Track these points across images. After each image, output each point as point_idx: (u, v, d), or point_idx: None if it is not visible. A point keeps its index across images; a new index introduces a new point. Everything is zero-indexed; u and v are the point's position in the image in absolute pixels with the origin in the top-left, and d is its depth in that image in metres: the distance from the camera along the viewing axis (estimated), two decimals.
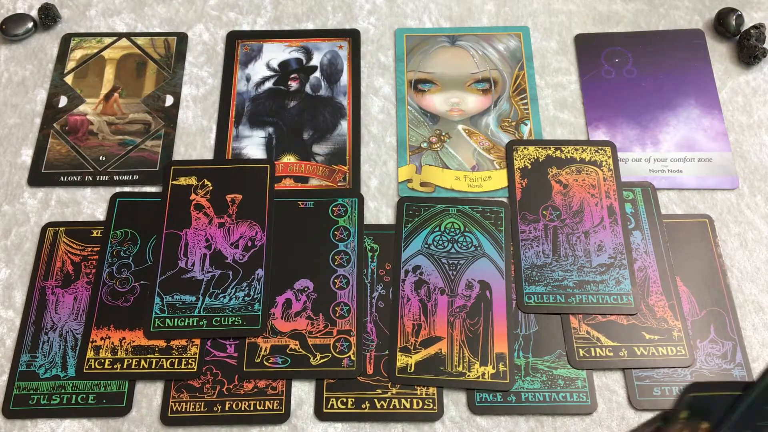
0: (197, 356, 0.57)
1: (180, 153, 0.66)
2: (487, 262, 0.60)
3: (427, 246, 0.61)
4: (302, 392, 0.56)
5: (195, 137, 0.67)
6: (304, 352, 0.57)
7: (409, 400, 0.55)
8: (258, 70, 0.71)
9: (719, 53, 0.71)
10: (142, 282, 0.60)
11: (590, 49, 0.71)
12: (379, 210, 0.64)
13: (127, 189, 0.65)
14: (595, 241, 0.61)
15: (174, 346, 0.57)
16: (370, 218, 0.63)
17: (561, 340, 0.57)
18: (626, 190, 0.63)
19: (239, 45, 0.72)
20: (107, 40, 0.72)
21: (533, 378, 0.56)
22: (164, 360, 0.57)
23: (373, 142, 0.67)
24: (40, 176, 0.65)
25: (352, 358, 0.57)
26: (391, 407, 0.55)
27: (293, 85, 0.70)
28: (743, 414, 0.37)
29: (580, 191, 0.63)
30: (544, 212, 0.62)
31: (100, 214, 0.64)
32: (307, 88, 0.70)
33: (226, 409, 0.55)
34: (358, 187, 0.64)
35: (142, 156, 0.66)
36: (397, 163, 0.66)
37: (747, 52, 0.69)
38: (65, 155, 0.66)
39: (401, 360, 0.56)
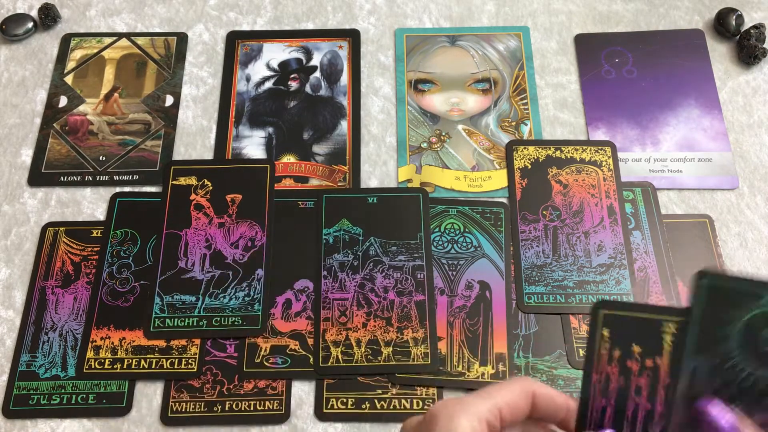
0: (197, 356, 0.57)
1: (180, 153, 0.66)
2: (487, 263, 0.60)
3: None
4: (302, 392, 0.56)
5: (195, 137, 0.67)
6: (304, 353, 0.57)
7: (409, 400, 0.55)
8: (258, 70, 0.71)
9: (719, 53, 0.71)
10: (142, 282, 0.60)
11: (590, 49, 0.71)
12: None
13: (127, 189, 0.65)
14: (595, 241, 0.61)
15: (174, 346, 0.57)
16: None
17: (561, 340, 0.57)
18: (626, 190, 0.63)
19: (239, 45, 0.72)
20: (107, 40, 0.72)
21: (533, 378, 0.56)
22: (164, 360, 0.57)
23: (373, 142, 0.67)
24: (40, 176, 0.65)
25: None
26: (391, 407, 0.55)
27: (293, 85, 0.70)
28: (698, 342, 0.35)
29: (580, 191, 0.63)
30: (544, 212, 0.62)
31: (100, 214, 0.64)
32: (307, 88, 0.70)
33: (226, 409, 0.55)
34: (358, 187, 0.64)
35: (142, 156, 0.66)
36: (397, 163, 0.66)
37: (747, 52, 0.69)
38: (65, 155, 0.66)
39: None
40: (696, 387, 0.37)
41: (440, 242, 0.61)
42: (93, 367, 0.56)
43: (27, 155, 0.66)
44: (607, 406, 0.37)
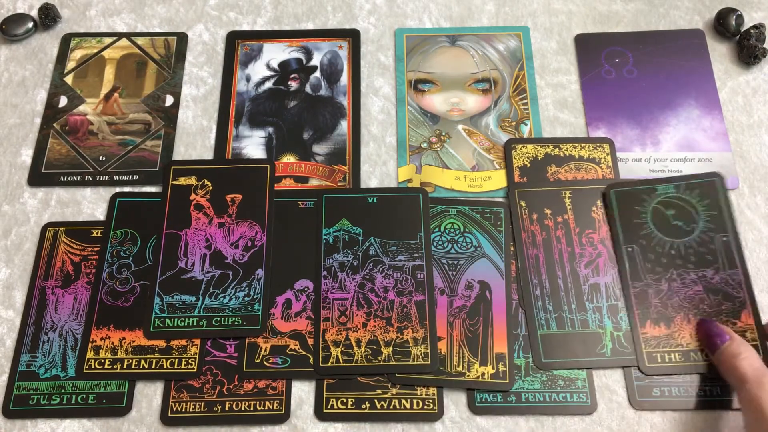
0: (197, 356, 0.57)
1: (180, 153, 0.67)
2: (487, 263, 0.60)
3: None
4: (302, 392, 0.56)
5: (195, 137, 0.67)
6: (304, 353, 0.57)
7: (409, 400, 0.55)
8: (258, 70, 0.71)
9: (719, 53, 0.71)
10: (142, 282, 0.60)
11: (590, 49, 0.71)
12: None
13: (127, 189, 0.65)
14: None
15: (174, 346, 0.57)
16: None
17: None
18: None
19: (239, 45, 0.72)
20: (107, 40, 0.73)
21: (533, 378, 0.56)
22: (164, 360, 0.57)
23: (373, 142, 0.67)
24: (40, 176, 0.65)
25: None
26: (391, 407, 0.55)
27: (293, 85, 0.70)
28: None
29: None
30: None
31: (100, 214, 0.64)
32: (307, 88, 0.70)
33: (226, 409, 0.55)
34: (358, 187, 0.64)
35: (142, 156, 0.66)
36: (397, 163, 0.66)
37: (747, 52, 0.69)
38: (65, 155, 0.66)
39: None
40: (635, 265, 0.56)
41: (440, 242, 0.61)
42: (93, 367, 0.56)
43: (27, 155, 0.66)
44: (538, 253, 0.57)
